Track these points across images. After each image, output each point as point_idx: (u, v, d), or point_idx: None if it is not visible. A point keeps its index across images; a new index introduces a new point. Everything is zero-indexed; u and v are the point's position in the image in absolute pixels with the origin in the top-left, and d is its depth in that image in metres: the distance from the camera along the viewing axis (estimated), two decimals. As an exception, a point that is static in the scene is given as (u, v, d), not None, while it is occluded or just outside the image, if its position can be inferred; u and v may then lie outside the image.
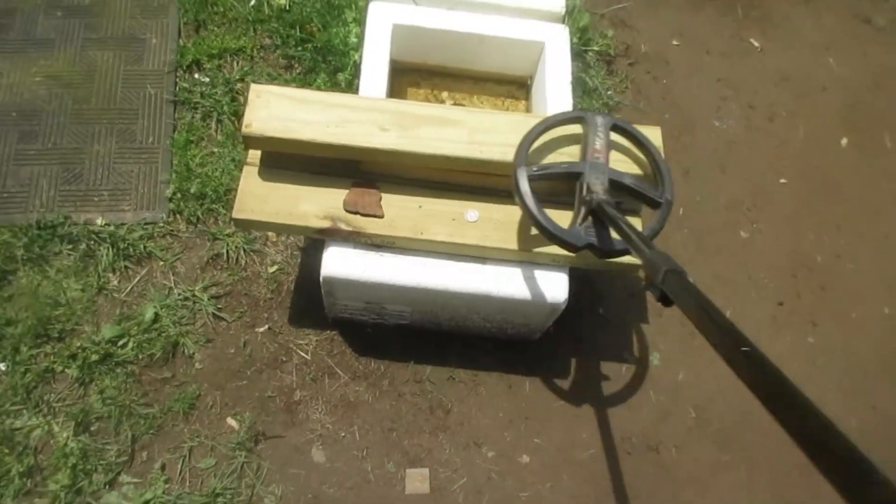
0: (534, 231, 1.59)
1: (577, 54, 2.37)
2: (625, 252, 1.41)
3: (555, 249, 1.58)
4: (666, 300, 1.04)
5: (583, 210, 1.42)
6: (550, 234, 1.40)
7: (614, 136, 1.58)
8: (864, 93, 2.58)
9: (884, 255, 2.24)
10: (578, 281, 1.90)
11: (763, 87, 2.52)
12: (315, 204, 1.57)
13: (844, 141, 2.45)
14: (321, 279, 1.61)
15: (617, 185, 1.47)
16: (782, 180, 2.34)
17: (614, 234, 1.39)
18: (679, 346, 2.01)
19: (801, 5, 2.75)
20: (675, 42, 2.57)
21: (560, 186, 1.61)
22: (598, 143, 1.50)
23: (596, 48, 2.41)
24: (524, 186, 1.42)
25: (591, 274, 2.02)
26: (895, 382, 2.02)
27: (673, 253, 2.11)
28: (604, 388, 1.92)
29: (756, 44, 2.61)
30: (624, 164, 1.59)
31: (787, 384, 0.77)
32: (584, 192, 1.43)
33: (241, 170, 1.62)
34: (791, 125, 2.46)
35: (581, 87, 2.33)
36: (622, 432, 1.87)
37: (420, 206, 1.60)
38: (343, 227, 1.55)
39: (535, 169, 1.45)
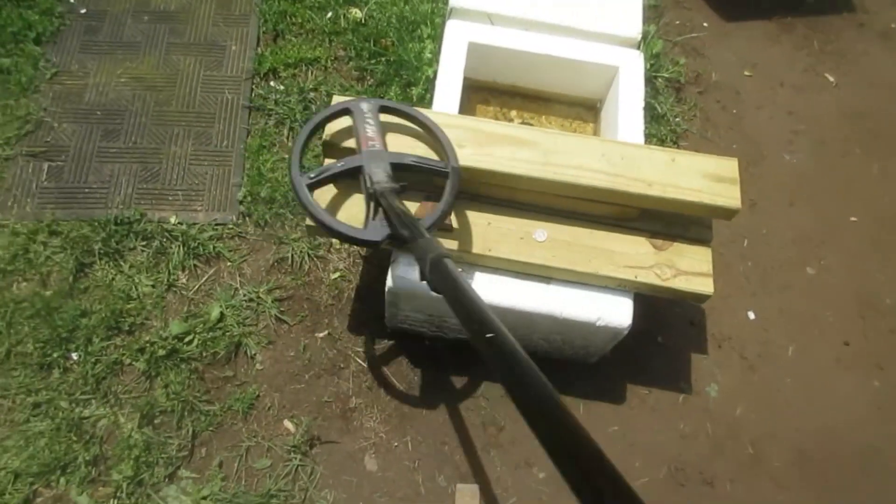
0: (599, 254, 1.59)
1: (647, 80, 2.36)
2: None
3: (621, 273, 1.58)
4: (436, 289, 1.04)
5: (372, 204, 1.35)
6: (346, 237, 1.35)
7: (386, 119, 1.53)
8: (941, 133, 2.50)
9: (958, 302, 2.16)
10: (640, 306, 1.89)
11: (836, 123, 2.47)
12: (386, 215, 1.60)
13: (919, 181, 2.39)
14: (386, 290, 1.63)
15: (401, 167, 1.43)
16: (853, 218, 2.28)
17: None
18: (738, 379, 1.97)
19: (879, 42, 2.69)
20: (747, 73, 2.54)
21: (629, 213, 1.62)
22: (370, 131, 1.45)
23: (666, 75, 2.40)
24: (304, 196, 1.36)
25: (654, 299, 1.99)
26: (966, 435, 1.95)
27: (736, 285, 2.11)
28: (659, 417, 1.89)
29: (831, 79, 2.57)
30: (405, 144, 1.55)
31: (528, 370, 0.79)
32: (368, 183, 1.36)
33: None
34: (864, 163, 2.40)
35: (649, 113, 2.32)
36: (676, 463, 1.84)
37: (489, 224, 1.62)
38: (413, 239, 1.57)
39: (312, 175, 1.39)
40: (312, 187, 1.39)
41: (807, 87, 2.53)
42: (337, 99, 1.55)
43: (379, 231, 1.33)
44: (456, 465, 1.78)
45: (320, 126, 1.50)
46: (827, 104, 2.50)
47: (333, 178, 1.44)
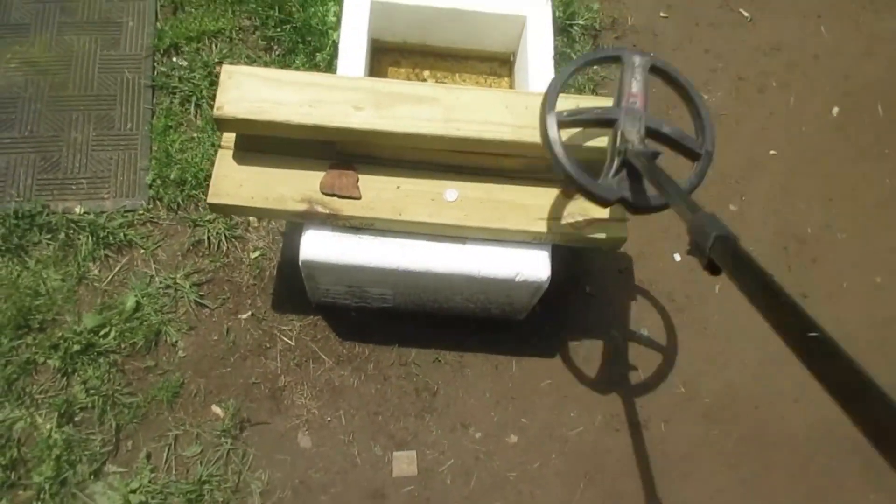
0: (512, 208, 1.57)
1: (562, 29, 2.33)
2: (661, 208, 1.31)
3: (535, 226, 1.57)
4: (714, 268, 0.91)
5: (616, 160, 1.29)
6: (580, 186, 1.28)
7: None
8: (855, 61, 2.53)
9: (876, 225, 2.21)
10: (565, 258, 1.88)
11: (753, 58, 2.48)
12: (292, 187, 1.55)
13: (836, 110, 2.41)
14: (300, 263, 1.59)
15: (654, 134, 1.34)
16: (772, 152, 2.30)
17: (650, 188, 1.26)
18: (667, 322, 2.00)
19: (792, -27, 2.69)
20: (662, 14, 2.52)
21: (539, 165, 1.59)
22: (636, 87, 1.36)
23: (581, 22, 2.36)
24: (553, 133, 1.30)
25: (577, 251, 1.99)
26: (886, 353, 2.01)
27: (662, 225, 2.11)
28: (591, 367, 1.91)
29: (746, 14, 2.56)
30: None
31: (865, 377, 0.63)
32: (619, 140, 1.30)
33: (216, 154, 1.59)
34: (781, 96, 2.42)
35: (565, 63, 2.28)
36: (611, 409, 1.86)
37: (398, 187, 1.58)
38: (320, 209, 1.53)
39: (565, 114, 1.33)
40: (561, 125, 1.32)
41: (722, 23, 2.52)
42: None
43: (613, 190, 1.28)
44: (391, 434, 1.77)
45: (585, 67, 1.42)
46: (742, 40, 2.50)
47: (584, 123, 1.38)
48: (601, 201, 1.31)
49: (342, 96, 1.52)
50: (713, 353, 1.97)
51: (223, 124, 1.52)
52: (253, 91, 1.51)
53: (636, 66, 1.39)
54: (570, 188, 1.60)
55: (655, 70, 1.42)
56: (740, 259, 0.87)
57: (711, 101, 2.37)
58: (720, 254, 0.90)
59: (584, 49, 2.35)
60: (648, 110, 1.36)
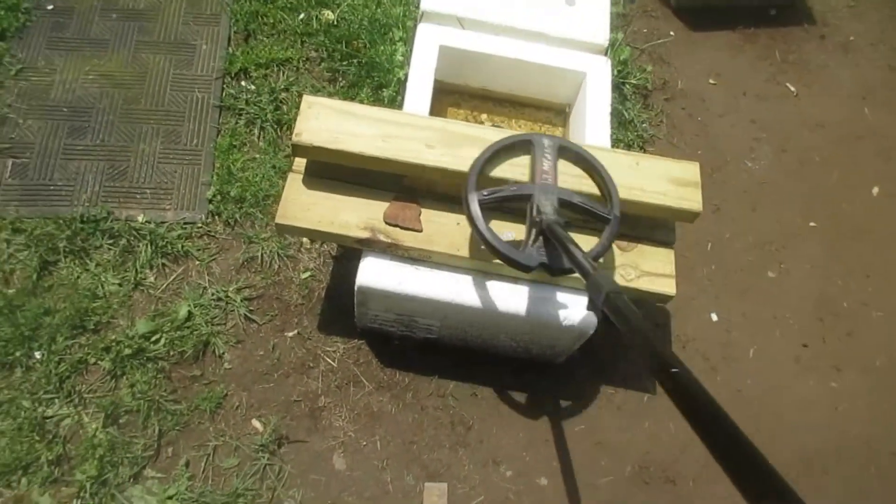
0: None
1: (615, 86, 2.41)
2: (574, 270, 1.41)
3: (588, 275, 1.61)
4: (607, 320, 1.09)
5: (534, 231, 1.44)
6: (503, 256, 1.42)
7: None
8: (897, 143, 2.60)
9: (911, 305, 2.24)
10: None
11: (797, 132, 2.55)
12: (356, 214, 1.61)
13: (876, 190, 2.47)
14: (356, 288, 1.64)
15: (566, 204, 1.49)
16: (812, 224, 2.35)
17: None
18: (701, 380, 2.01)
19: (840, 54, 2.78)
20: (711, 81, 2.60)
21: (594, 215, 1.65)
22: (546, 165, 1.52)
23: (634, 81, 2.45)
24: (475, 210, 1.44)
25: (619, 303, 2.03)
26: (918, 433, 2.02)
27: (699, 288, 2.16)
28: (624, 416, 1.93)
29: (792, 88, 2.64)
30: (574, 181, 1.60)
31: (715, 408, 0.82)
32: (535, 213, 1.44)
33: (283, 177, 1.66)
34: (823, 171, 2.48)
35: (617, 119, 2.37)
36: (641, 462, 1.88)
37: (458, 224, 1.63)
38: (382, 238, 1.58)
39: (485, 193, 1.46)
40: (483, 204, 1.45)
41: (769, 96, 2.60)
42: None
43: (533, 258, 1.42)
44: (424, 464, 1.79)
45: (500, 151, 1.56)
46: (788, 113, 2.58)
47: (503, 201, 1.50)
48: (523, 268, 1.43)
49: (414, 133, 1.59)
50: (746, 417, 1.98)
51: (299, 150, 1.59)
52: (330, 121, 1.59)
53: (546, 147, 1.56)
54: (620, 242, 1.67)
55: (563, 150, 1.58)
56: (623, 311, 1.05)
57: (754, 169, 2.43)
58: (609, 307, 1.08)
59: (634, 107, 2.43)
60: (559, 185, 1.52)
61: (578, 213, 1.54)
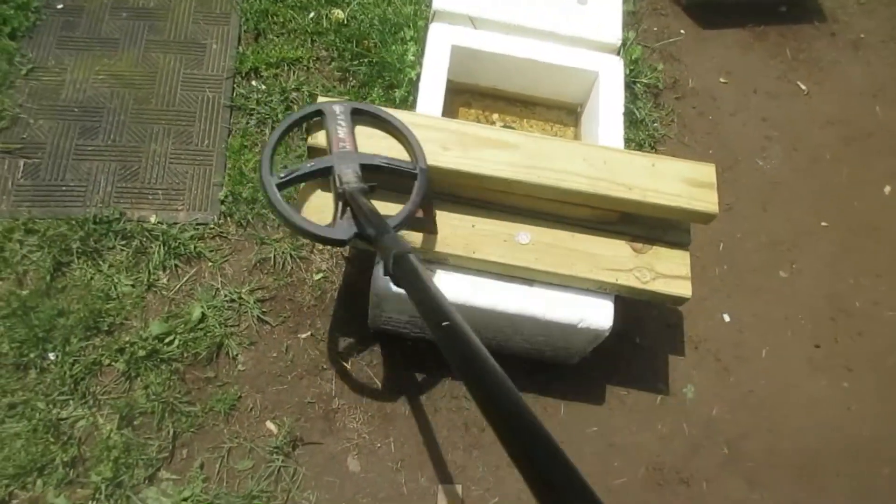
0: (581, 257, 1.61)
1: (627, 85, 2.40)
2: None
3: (602, 276, 1.61)
4: (397, 282, 1.09)
5: (340, 203, 1.38)
6: (313, 236, 1.36)
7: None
8: (908, 141, 2.59)
9: (923, 305, 2.24)
10: (619, 309, 1.92)
11: (808, 130, 2.54)
12: (371, 217, 1.60)
13: (888, 189, 2.46)
14: (371, 292, 1.64)
15: (370, 168, 1.45)
16: (823, 223, 2.35)
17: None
18: (714, 380, 2.02)
19: (850, 51, 2.77)
20: (722, 80, 2.59)
21: (611, 217, 1.64)
22: (342, 132, 1.48)
23: (645, 80, 2.44)
24: (273, 195, 1.37)
25: (633, 302, 2.03)
26: (931, 433, 2.01)
27: (712, 287, 2.15)
28: (637, 418, 1.93)
29: (803, 87, 2.63)
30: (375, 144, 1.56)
31: (480, 355, 0.84)
32: (338, 183, 1.39)
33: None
34: (835, 169, 2.47)
35: (628, 118, 2.36)
36: (654, 463, 1.88)
37: (473, 226, 1.63)
38: (397, 241, 1.58)
39: (282, 175, 1.40)
40: (282, 186, 1.39)
41: (780, 94, 2.59)
42: (321, 100, 1.56)
43: (346, 230, 1.35)
44: (438, 466, 1.79)
45: (292, 128, 1.51)
46: (799, 111, 2.57)
47: (303, 178, 1.45)
48: (338, 244, 1.40)
49: (430, 135, 1.59)
50: (758, 417, 1.99)
51: (315, 152, 1.58)
52: (345, 123, 1.58)
53: (338, 114, 1.51)
54: (636, 244, 1.66)
55: (358, 112, 1.54)
56: (409, 271, 1.06)
57: (766, 167, 2.42)
58: (397, 268, 1.08)
59: (646, 106, 2.42)
60: (359, 150, 1.47)
61: (386, 174, 1.48)
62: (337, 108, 1.52)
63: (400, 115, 1.58)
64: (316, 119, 1.54)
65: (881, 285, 2.25)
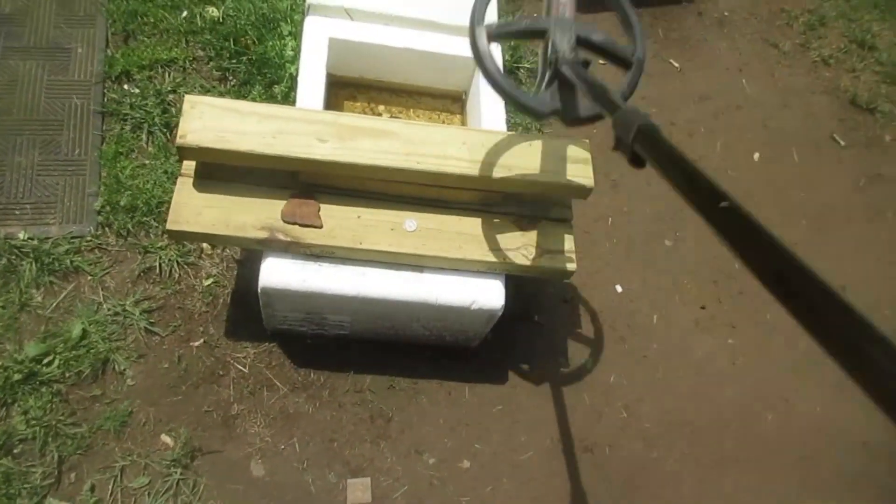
0: (468, 239, 1.64)
1: (510, 71, 2.45)
2: (594, 119, 1.29)
3: (490, 257, 1.64)
4: (637, 161, 0.95)
5: (548, 72, 1.27)
6: (513, 100, 1.27)
7: None
8: (773, 111, 2.76)
9: (794, 261, 2.39)
10: (514, 289, 1.96)
11: (684, 105, 2.67)
12: (252, 215, 1.57)
13: (756, 155, 2.62)
14: (259, 290, 1.60)
15: (585, 43, 1.30)
16: (702, 192, 2.47)
17: (583, 100, 1.26)
18: (610, 349, 2.09)
19: (716, 29, 2.93)
20: (601, 62, 2.67)
21: (494, 198, 1.67)
22: None
23: (527, 65, 2.50)
24: (483, 46, 1.26)
25: (527, 281, 2.08)
26: (805, 378, 2.16)
27: (603, 261, 2.23)
28: (540, 393, 1.98)
29: (676, 64, 2.77)
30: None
31: (767, 235, 0.70)
32: (549, 51, 1.27)
33: (176, 182, 1.60)
34: (709, 141, 2.61)
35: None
36: (558, 434, 1.93)
37: (359, 217, 1.62)
38: (281, 237, 1.55)
39: (494, 27, 1.30)
40: (490, 38, 1.28)
41: (655, 72, 2.71)
42: None
43: (546, 103, 1.25)
44: (346, 461, 1.78)
45: None
46: (673, 88, 2.70)
47: (515, 35, 1.34)
48: (535, 114, 1.31)
49: (305, 128, 1.57)
50: (652, 380, 2.08)
51: (186, 152, 1.53)
52: (216, 121, 1.53)
53: None
54: (521, 222, 1.70)
55: None
56: (660, 145, 0.92)
57: (646, 143, 2.53)
58: (642, 143, 0.94)
59: (529, 90, 2.47)
60: (578, 19, 1.32)
61: (598, 53, 1.32)
62: None
63: (267, 108, 1.56)
64: None
65: (756, 246, 2.39)
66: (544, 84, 1.28)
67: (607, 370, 2.06)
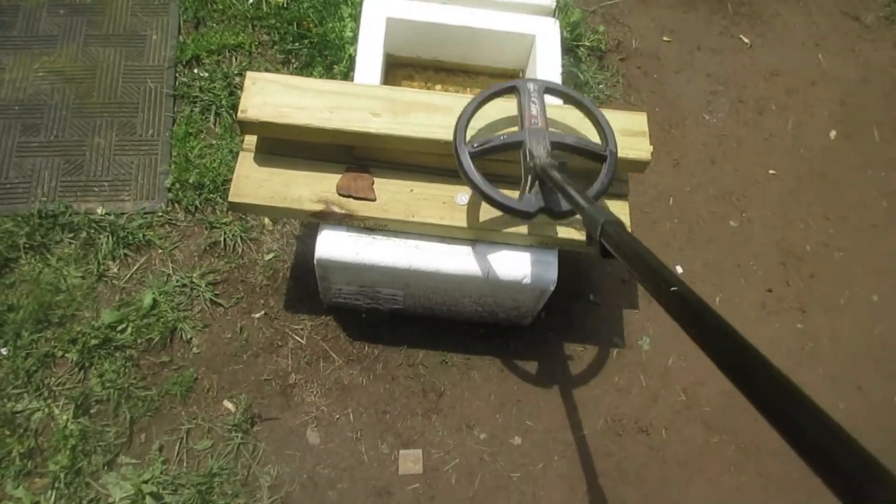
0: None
1: (569, 49, 2.42)
2: (574, 213, 1.44)
3: (544, 231, 1.63)
4: (605, 252, 1.07)
5: (529, 177, 1.44)
6: (502, 206, 1.43)
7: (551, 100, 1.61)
8: (852, 88, 2.62)
9: (871, 244, 2.27)
10: (570, 267, 1.94)
11: (753, 83, 2.57)
12: (309, 188, 1.62)
13: (833, 133, 2.49)
14: (315, 262, 1.65)
15: (560, 147, 1.49)
16: (771, 171, 2.38)
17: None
18: (669, 331, 2.04)
19: (791, 2, 2.80)
20: (665, 38, 2.61)
21: (507, 168, 1.65)
22: (535, 109, 1.52)
23: (587, 43, 2.46)
24: (467, 163, 1.44)
25: (583, 259, 2.05)
26: (881, 367, 2.05)
27: (663, 242, 2.18)
28: (594, 372, 1.95)
29: (746, 40, 2.66)
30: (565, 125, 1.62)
31: (712, 316, 0.81)
32: (528, 158, 1.44)
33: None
34: (780, 119, 2.50)
35: (573, 81, 2.37)
36: (613, 415, 1.90)
37: (412, 190, 1.64)
38: (336, 210, 1.59)
39: (475, 145, 1.46)
40: (474, 156, 1.45)
41: (723, 49, 2.62)
42: None
43: (532, 204, 1.43)
44: (398, 433, 1.81)
45: (486, 101, 1.55)
46: (743, 65, 2.60)
47: (495, 150, 1.49)
48: (524, 216, 1.45)
49: (360, 103, 1.60)
50: (712, 364, 2.01)
51: (246, 127, 1.59)
52: (275, 96, 1.59)
53: (532, 92, 1.55)
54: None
55: (550, 91, 1.58)
56: (622, 239, 1.03)
57: (712, 122, 2.45)
58: (607, 238, 1.05)
59: (590, 69, 2.44)
60: (549, 128, 1.51)
61: (574, 154, 1.53)
62: (531, 86, 1.55)
63: (324, 84, 1.60)
64: (508, 95, 1.58)
65: (829, 227, 2.28)
66: (528, 188, 1.44)
67: (665, 352, 2.01)
